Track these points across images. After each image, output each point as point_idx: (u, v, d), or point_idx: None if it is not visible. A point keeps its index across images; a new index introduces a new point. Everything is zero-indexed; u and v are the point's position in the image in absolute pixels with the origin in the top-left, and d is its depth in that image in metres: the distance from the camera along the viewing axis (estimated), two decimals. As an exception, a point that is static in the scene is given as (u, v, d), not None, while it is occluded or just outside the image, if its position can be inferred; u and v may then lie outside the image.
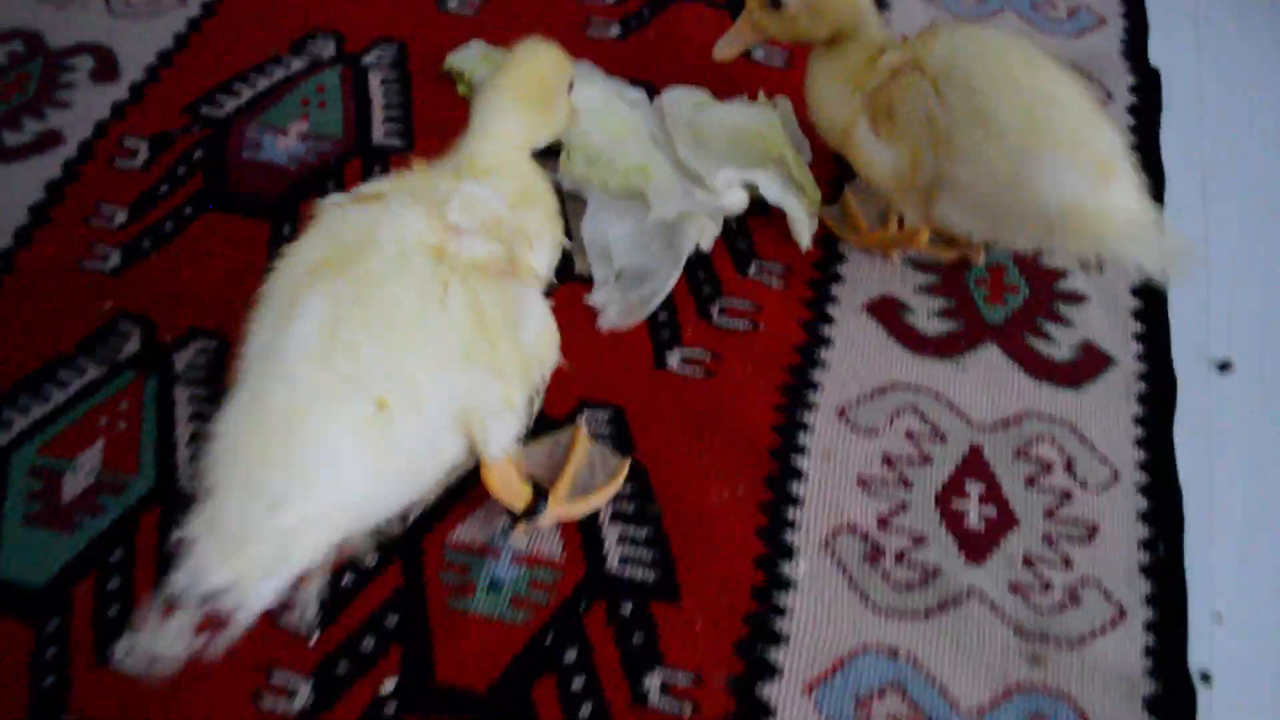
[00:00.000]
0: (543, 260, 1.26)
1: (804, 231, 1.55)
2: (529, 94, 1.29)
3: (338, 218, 1.13)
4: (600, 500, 1.35)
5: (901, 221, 1.54)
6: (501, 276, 1.14)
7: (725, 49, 1.54)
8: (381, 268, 1.06)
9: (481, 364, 1.09)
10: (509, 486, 1.28)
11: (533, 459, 1.37)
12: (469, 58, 1.79)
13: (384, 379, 1.02)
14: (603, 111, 1.65)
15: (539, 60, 1.33)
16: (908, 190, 1.41)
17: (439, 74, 1.81)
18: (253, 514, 0.94)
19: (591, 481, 1.36)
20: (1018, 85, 1.30)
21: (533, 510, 1.30)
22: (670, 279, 1.53)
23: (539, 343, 1.19)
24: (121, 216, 1.62)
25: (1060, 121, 1.28)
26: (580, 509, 1.34)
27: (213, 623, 0.99)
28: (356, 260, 1.06)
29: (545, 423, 1.39)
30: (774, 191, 1.56)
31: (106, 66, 1.84)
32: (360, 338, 1.02)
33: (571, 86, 1.38)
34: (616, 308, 1.52)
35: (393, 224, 1.10)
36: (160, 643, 0.98)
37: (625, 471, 1.37)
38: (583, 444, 1.39)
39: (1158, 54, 1.87)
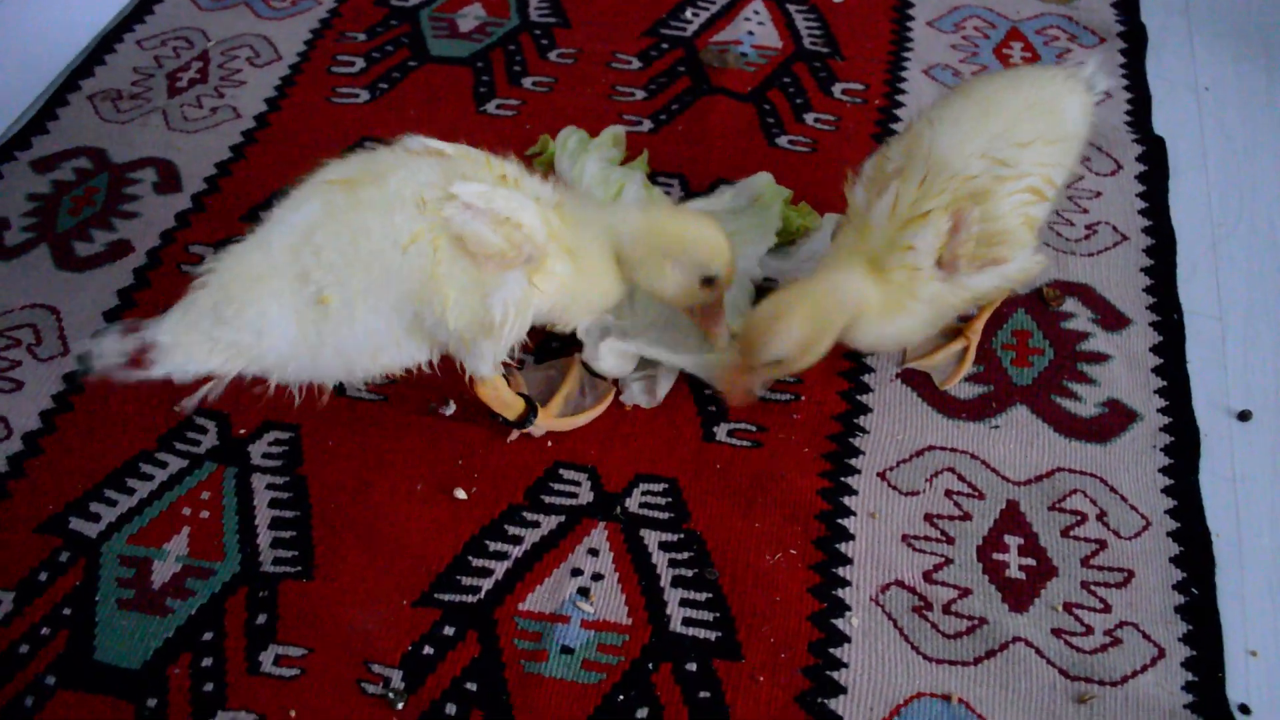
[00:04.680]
0: (550, 287, 1.32)
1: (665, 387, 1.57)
2: (651, 243, 1.36)
3: (391, 153, 1.31)
4: (586, 418, 1.54)
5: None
6: (484, 263, 1.26)
7: (742, 398, 1.48)
8: (374, 197, 1.25)
9: (431, 309, 1.26)
10: (499, 398, 1.46)
11: (531, 382, 1.57)
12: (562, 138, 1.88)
13: (334, 284, 1.23)
14: (598, 182, 1.77)
15: (692, 233, 1.36)
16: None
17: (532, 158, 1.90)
18: (204, 320, 1.22)
19: (582, 403, 1.55)
20: (1009, 121, 1.42)
21: (524, 420, 1.49)
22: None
23: (508, 316, 1.30)
24: (192, 318, 1.71)
25: (1037, 98, 1.44)
26: (568, 424, 1.52)
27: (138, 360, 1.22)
28: (365, 185, 1.26)
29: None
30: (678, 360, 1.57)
31: (169, 178, 1.95)
32: (328, 244, 1.23)
33: (712, 282, 1.39)
34: (639, 387, 1.58)
35: (410, 171, 1.27)
36: (102, 345, 1.21)
37: (611, 396, 1.55)
38: (576, 369, 1.57)
39: (1162, 124, 1.96)
